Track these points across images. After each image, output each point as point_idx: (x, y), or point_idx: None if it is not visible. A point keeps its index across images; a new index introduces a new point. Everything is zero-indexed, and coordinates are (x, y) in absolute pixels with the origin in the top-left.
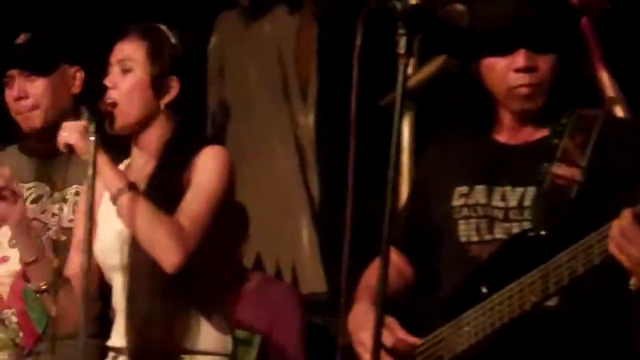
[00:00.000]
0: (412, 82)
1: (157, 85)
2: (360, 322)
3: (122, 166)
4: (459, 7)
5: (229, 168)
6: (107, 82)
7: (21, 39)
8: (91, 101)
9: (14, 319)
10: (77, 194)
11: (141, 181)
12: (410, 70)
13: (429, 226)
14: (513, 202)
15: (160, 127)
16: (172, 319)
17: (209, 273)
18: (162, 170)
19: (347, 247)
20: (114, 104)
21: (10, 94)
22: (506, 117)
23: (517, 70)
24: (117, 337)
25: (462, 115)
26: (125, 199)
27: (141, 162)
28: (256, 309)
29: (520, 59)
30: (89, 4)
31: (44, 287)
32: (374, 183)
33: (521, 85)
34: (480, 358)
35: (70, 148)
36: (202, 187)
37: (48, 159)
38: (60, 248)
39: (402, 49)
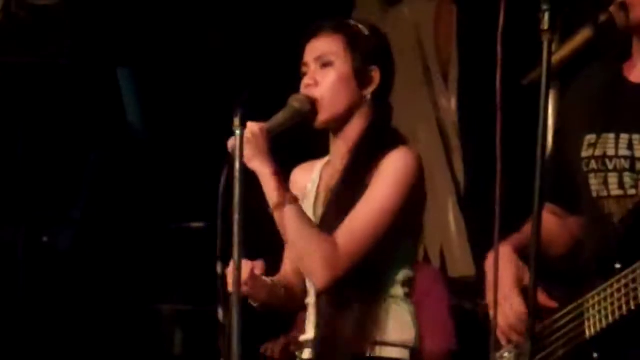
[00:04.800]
0: (554, 59)
1: (360, 76)
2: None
3: (321, 163)
4: None
5: (413, 176)
6: (308, 80)
7: None
8: (242, 99)
9: None
10: None
11: (335, 178)
12: (553, 47)
13: (571, 178)
14: None
15: (363, 119)
16: (361, 310)
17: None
18: (350, 170)
19: (497, 231)
20: (315, 101)
21: None
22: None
23: None
24: (310, 329)
25: (596, 47)
26: (281, 213)
27: (338, 158)
28: None
29: None
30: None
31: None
32: (520, 163)
33: None
34: (627, 333)
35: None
36: (374, 201)
37: None
38: None
39: (546, 25)
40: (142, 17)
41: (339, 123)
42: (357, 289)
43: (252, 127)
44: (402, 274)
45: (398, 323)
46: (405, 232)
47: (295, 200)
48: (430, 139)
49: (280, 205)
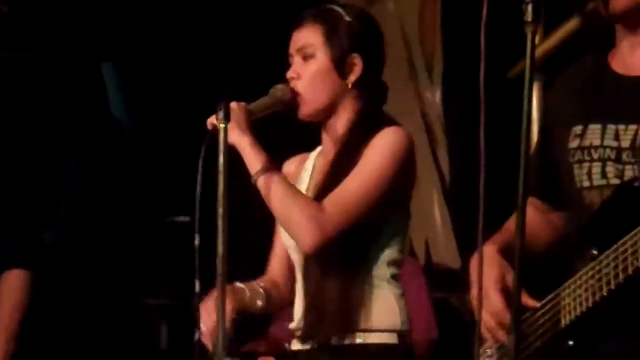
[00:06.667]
0: (539, 51)
1: (340, 66)
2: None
3: (314, 153)
4: None
5: (405, 152)
6: (291, 73)
7: None
8: (223, 89)
9: None
10: None
11: (327, 167)
12: (537, 39)
13: (557, 172)
14: (626, 143)
15: (349, 109)
16: (346, 296)
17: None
18: (342, 155)
19: (481, 223)
20: (297, 93)
21: None
22: (623, 42)
23: None
24: (297, 319)
25: (582, 39)
26: (262, 180)
27: (328, 148)
28: None
29: None
30: None
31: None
32: (505, 157)
33: None
34: (601, 320)
35: (215, 129)
36: (365, 172)
37: None
38: None
39: (529, 17)
40: (126, 12)
41: (324, 116)
42: (343, 262)
43: (232, 103)
44: (388, 254)
45: (382, 307)
46: (394, 208)
47: (276, 167)
48: (415, 133)
49: (262, 172)
